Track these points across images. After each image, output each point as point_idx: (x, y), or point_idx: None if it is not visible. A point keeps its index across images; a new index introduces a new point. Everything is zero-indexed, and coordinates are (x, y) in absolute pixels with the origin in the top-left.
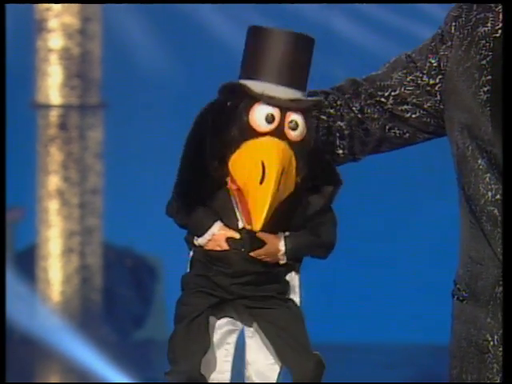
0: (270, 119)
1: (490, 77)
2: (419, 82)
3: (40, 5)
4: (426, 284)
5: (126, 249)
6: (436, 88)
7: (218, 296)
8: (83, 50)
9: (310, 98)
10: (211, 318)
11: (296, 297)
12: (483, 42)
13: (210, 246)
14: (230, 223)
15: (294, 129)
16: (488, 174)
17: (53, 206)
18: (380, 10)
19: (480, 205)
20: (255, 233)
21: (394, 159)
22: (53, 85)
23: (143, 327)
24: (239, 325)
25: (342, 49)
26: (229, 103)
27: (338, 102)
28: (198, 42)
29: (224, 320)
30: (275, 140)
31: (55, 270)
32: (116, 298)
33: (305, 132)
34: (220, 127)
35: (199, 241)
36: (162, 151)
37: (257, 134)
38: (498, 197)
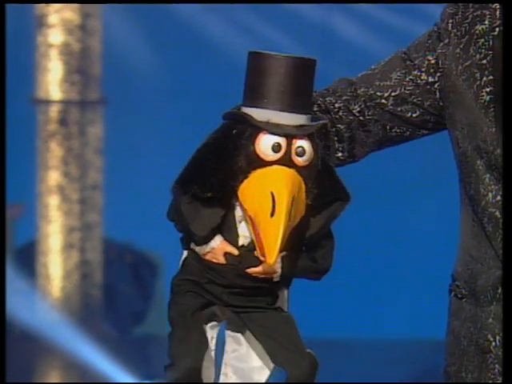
0: (276, 149)
1: (491, 77)
2: (418, 81)
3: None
4: (425, 280)
5: (126, 244)
6: (435, 86)
7: (205, 297)
8: (83, 46)
9: (314, 123)
10: (201, 314)
11: (284, 308)
12: (482, 40)
13: (206, 257)
14: (230, 238)
15: (301, 155)
16: (487, 175)
17: (53, 202)
18: (379, 9)
19: (481, 206)
20: (253, 251)
21: (391, 157)
22: (53, 80)
23: (143, 323)
24: (220, 319)
25: (341, 48)
26: (234, 131)
27: (336, 105)
28: (198, 41)
29: (207, 315)
30: (283, 169)
31: (55, 265)
32: (116, 293)
33: (312, 155)
34: (226, 156)
35: (197, 249)
36: (162, 147)
37: (264, 164)
38: (499, 198)
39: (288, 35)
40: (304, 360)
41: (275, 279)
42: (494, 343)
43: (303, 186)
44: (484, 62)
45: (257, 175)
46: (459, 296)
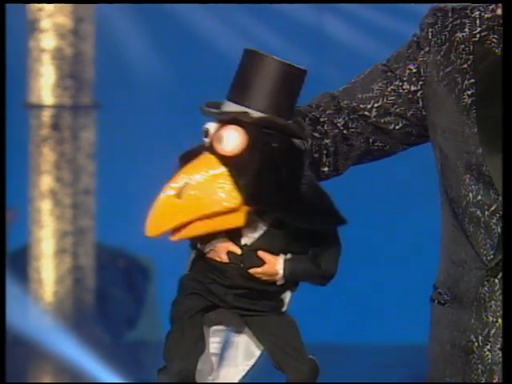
0: (204, 134)
1: (472, 80)
2: (400, 90)
3: (33, 5)
4: (418, 285)
5: (118, 249)
6: (418, 94)
7: (212, 301)
8: (76, 51)
9: (260, 115)
10: (202, 317)
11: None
12: (462, 46)
13: (210, 255)
14: (233, 237)
15: (220, 142)
16: (467, 175)
17: (45, 207)
18: (372, 11)
19: (462, 206)
20: (257, 251)
21: (380, 164)
22: (45, 85)
23: (135, 328)
24: (227, 325)
25: (333, 49)
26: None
27: (321, 120)
28: (191, 43)
29: (212, 318)
30: (201, 156)
31: (48, 270)
32: (108, 298)
33: (241, 146)
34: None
35: (200, 247)
36: (155, 152)
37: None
38: (479, 198)
39: (281, 37)
40: (305, 365)
41: (279, 282)
42: (476, 343)
43: (224, 174)
44: (465, 66)
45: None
46: (442, 302)
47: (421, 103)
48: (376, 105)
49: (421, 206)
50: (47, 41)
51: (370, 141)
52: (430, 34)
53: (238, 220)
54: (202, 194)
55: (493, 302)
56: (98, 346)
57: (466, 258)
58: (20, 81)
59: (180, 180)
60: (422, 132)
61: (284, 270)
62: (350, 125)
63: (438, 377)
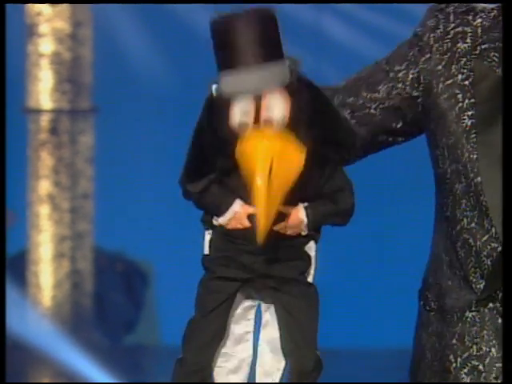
0: (245, 115)
1: (473, 100)
2: (403, 94)
3: (31, 9)
4: (417, 289)
5: (116, 253)
6: (418, 100)
7: (240, 279)
8: (74, 55)
9: (280, 78)
10: (227, 306)
11: (312, 269)
12: (464, 59)
13: (231, 225)
14: (248, 201)
15: (271, 117)
16: (464, 200)
17: (44, 211)
18: (370, 11)
19: (456, 230)
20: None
21: (377, 164)
22: (44, 89)
23: (134, 332)
24: (257, 301)
25: (333, 49)
26: (213, 107)
27: None
28: (189, 45)
29: (243, 296)
30: (256, 142)
31: (46, 274)
32: (107, 302)
33: (289, 109)
34: (213, 126)
35: (220, 220)
36: (153, 156)
37: (242, 130)
38: (473, 225)
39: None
40: (310, 360)
41: (303, 232)
42: (454, 364)
43: (288, 143)
44: (466, 83)
45: (240, 147)
46: (427, 308)
47: (420, 108)
48: (381, 106)
49: (419, 209)
50: (45, 45)
51: (375, 136)
52: (431, 39)
53: (301, 163)
54: (286, 166)
55: (485, 331)
56: (96, 349)
57: (456, 275)
58: (18, 85)
59: (263, 186)
60: (418, 131)
61: (307, 216)
62: (351, 120)
63: (421, 376)
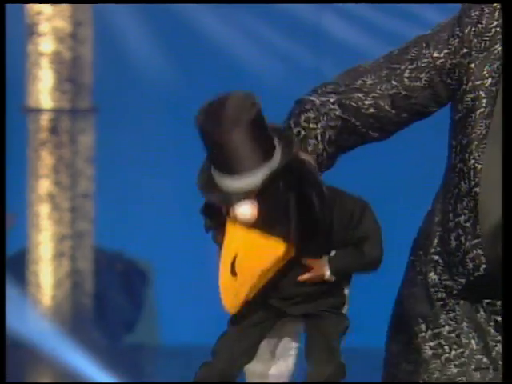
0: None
1: (492, 108)
2: (440, 82)
3: (31, 9)
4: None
5: (116, 253)
6: (451, 87)
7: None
8: (74, 54)
9: (256, 182)
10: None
11: (346, 306)
12: (497, 63)
13: None
14: None
15: (239, 216)
16: (466, 199)
17: (44, 210)
18: (371, 10)
19: (455, 221)
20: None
21: (375, 165)
22: (44, 89)
23: (134, 331)
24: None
25: (334, 48)
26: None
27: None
28: (190, 45)
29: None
30: (230, 226)
31: (46, 274)
32: (107, 302)
33: (256, 210)
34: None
35: None
36: (153, 155)
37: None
38: (468, 225)
39: (282, 36)
40: (330, 365)
41: (330, 280)
42: (423, 334)
43: (258, 236)
44: (493, 89)
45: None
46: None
47: (453, 94)
48: (422, 93)
49: (415, 208)
50: (45, 45)
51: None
52: (471, 33)
53: (288, 255)
54: (251, 262)
55: (464, 322)
56: (96, 349)
57: (441, 256)
58: (18, 85)
59: (228, 255)
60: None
61: (331, 269)
62: (392, 110)
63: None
